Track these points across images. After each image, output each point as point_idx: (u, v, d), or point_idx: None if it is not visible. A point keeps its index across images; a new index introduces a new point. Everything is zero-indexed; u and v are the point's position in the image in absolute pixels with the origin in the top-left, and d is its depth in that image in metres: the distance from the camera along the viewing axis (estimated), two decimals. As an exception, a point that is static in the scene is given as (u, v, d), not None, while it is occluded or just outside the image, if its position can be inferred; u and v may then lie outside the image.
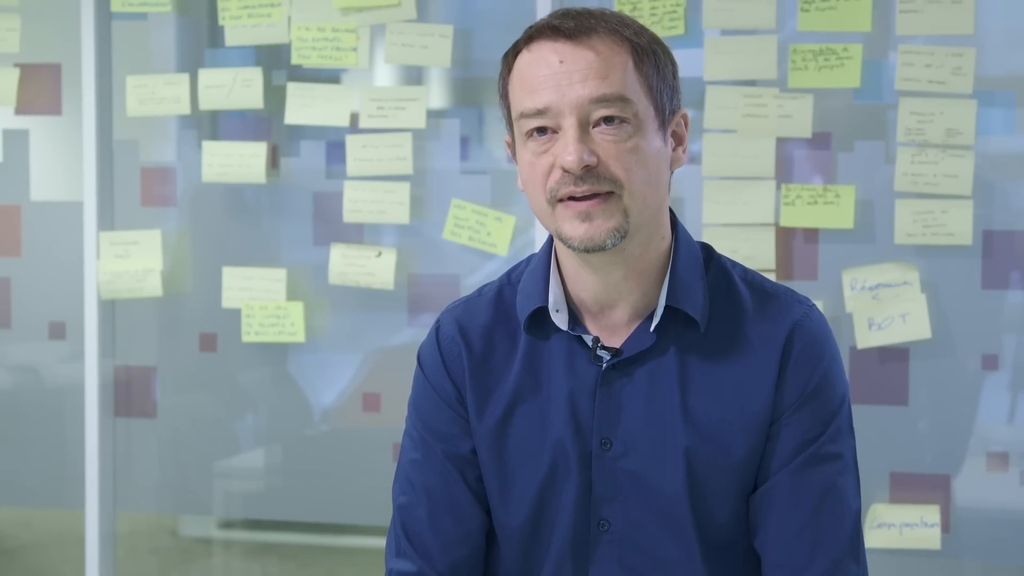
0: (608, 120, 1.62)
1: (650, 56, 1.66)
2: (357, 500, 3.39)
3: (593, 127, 1.63)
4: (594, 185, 1.62)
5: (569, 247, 1.66)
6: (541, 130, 1.64)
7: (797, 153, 3.08)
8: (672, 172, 1.72)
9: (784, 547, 1.70)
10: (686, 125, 1.73)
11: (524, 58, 1.67)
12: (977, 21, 2.97)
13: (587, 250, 1.64)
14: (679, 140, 1.72)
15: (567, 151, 1.61)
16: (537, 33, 1.66)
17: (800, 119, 3.04)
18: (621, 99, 1.62)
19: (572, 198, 1.63)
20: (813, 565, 1.69)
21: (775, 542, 1.70)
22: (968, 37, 2.97)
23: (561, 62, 1.63)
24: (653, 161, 1.65)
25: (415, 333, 3.34)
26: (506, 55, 1.71)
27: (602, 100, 1.62)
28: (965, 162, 2.97)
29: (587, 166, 1.61)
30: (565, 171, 1.61)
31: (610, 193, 1.62)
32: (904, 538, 3.01)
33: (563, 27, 1.64)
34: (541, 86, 1.63)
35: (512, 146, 1.73)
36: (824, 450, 1.70)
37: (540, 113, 1.63)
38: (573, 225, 1.63)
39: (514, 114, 1.68)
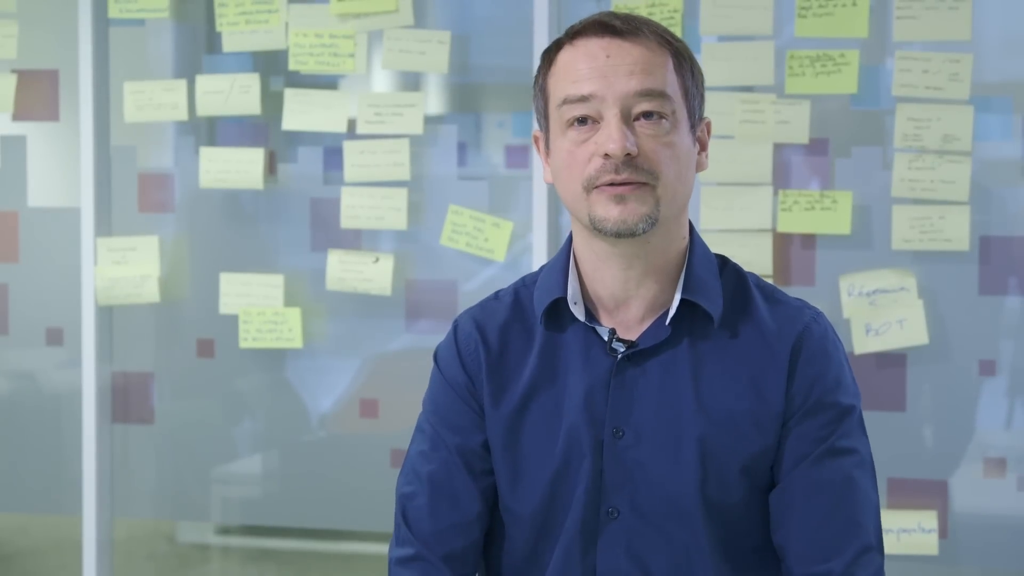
0: (647, 115, 1.68)
1: (687, 62, 1.74)
2: (355, 506, 3.39)
3: (633, 120, 1.68)
4: (632, 174, 1.67)
5: (601, 230, 1.69)
6: (582, 120, 1.69)
7: (794, 159, 3.08)
8: (696, 174, 1.78)
9: (809, 537, 1.71)
10: (708, 133, 1.80)
11: (568, 52, 1.73)
12: (974, 27, 2.97)
13: (618, 234, 1.68)
14: (703, 146, 1.79)
15: (611, 139, 1.66)
16: (583, 30, 1.73)
17: (797, 125, 3.04)
18: (663, 95, 1.69)
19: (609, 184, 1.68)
20: (841, 552, 1.70)
21: (799, 534, 1.72)
22: (965, 43, 2.97)
23: (608, 56, 1.69)
24: (685, 158, 1.72)
25: (413, 339, 3.34)
26: (547, 51, 1.76)
27: (646, 94, 1.68)
28: (962, 168, 2.97)
29: (628, 155, 1.66)
30: (607, 158, 1.66)
31: (645, 183, 1.68)
32: (902, 544, 3.01)
33: (611, 24, 1.71)
34: (587, 76, 1.69)
35: (540, 140, 1.79)
36: (840, 444, 1.73)
37: (584, 99, 1.69)
38: (607, 208, 1.68)
39: (553, 103, 1.73)
